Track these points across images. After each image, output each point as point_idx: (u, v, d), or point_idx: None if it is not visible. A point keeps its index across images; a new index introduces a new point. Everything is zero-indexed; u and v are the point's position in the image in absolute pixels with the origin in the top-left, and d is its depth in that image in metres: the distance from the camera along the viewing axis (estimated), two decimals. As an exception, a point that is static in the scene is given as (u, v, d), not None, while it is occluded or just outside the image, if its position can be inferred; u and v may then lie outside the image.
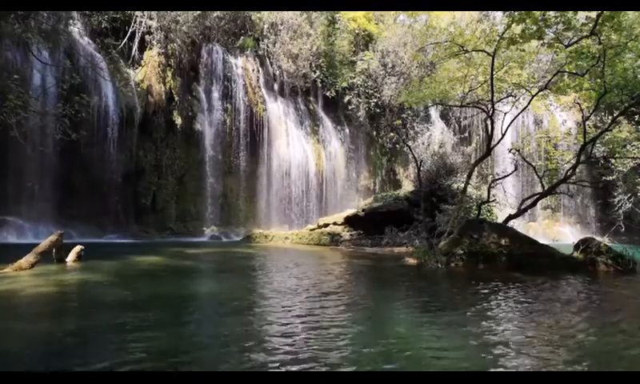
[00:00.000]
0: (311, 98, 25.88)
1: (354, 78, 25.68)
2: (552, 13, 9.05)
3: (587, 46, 9.78)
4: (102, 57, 18.13)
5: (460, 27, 12.41)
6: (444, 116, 28.63)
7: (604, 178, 20.14)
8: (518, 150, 12.90)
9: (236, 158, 22.17)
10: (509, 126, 12.78)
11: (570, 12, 9.11)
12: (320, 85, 25.49)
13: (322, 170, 24.30)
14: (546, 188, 12.50)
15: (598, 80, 10.37)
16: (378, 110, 26.22)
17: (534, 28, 9.19)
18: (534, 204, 13.08)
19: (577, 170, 12.32)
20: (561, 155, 17.34)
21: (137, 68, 19.84)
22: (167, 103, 20.20)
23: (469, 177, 12.96)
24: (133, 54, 19.80)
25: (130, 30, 19.59)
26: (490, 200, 12.91)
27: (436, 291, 7.12)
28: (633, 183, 20.11)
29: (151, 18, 19.85)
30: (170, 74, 20.55)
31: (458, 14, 19.26)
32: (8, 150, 14.85)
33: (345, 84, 25.37)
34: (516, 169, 12.85)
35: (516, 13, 8.97)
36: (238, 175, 22.31)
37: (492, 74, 10.94)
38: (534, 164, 13.93)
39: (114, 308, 5.16)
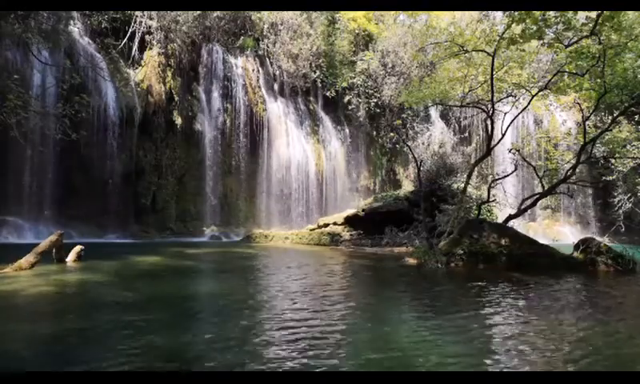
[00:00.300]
0: (311, 98, 25.88)
1: (354, 78, 25.68)
2: (552, 13, 9.05)
3: (587, 45, 9.78)
4: (102, 57, 18.12)
5: (460, 27, 12.41)
6: (444, 116, 28.61)
7: (604, 178, 20.12)
8: (518, 150, 12.89)
9: (236, 158, 22.15)
10: (509, 126, 12.78)
11: (570, 12, 9.11)
12: (320, 85, 25.48)
13: (322, 170, 24.30)
14: (545, 188, 12.50)
15: (598, 80, 10.36)
16: (378, 110, 26.22)
17: (534, 28, 9.19)
18: (533, 204, 13.08)
19: (577, 170, 12.32)
20: (561, 155, 17.33)
21: (137, 68, 19.84)
22: (167, 103, 20.19)
23: (469, 177, 12.96)
24: (133, 53, 19.79)
25: (130, 30, 19.59)
26: (490, 200, 12.91)
27: (436, 291, 7.12)
28: (633, 183, 20.09)
29: (151, 18, 19.84)
30: (169, 73, 20.55)
31: (458, 13, 19.25)
32: (8, 150, 14.84)
33: (345, 84, 25.37)
34: (516, 169, 12.84)
35: (516, 13, 8.97)
36: (238, 175, 22.31)
37: (492, 74, 10.94)
38: (533, 164, 13.93)
39: (114, 308, 5.16)
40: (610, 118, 15.62)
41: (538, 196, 12.79)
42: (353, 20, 26.64)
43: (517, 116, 12.95)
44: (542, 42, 10.12)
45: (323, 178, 24.23)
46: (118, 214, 18.36)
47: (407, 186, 23.45)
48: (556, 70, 11.49)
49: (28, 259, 7.65)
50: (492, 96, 11.43)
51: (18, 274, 7.09)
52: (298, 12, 24.21)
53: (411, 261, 10.34)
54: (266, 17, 24.06)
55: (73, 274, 7.60)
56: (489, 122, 12.56)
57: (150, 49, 20.03)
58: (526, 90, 12.21)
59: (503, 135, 12.54)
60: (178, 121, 20.36)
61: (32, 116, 13.34)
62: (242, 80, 22.55)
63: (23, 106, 11.17)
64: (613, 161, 17.00)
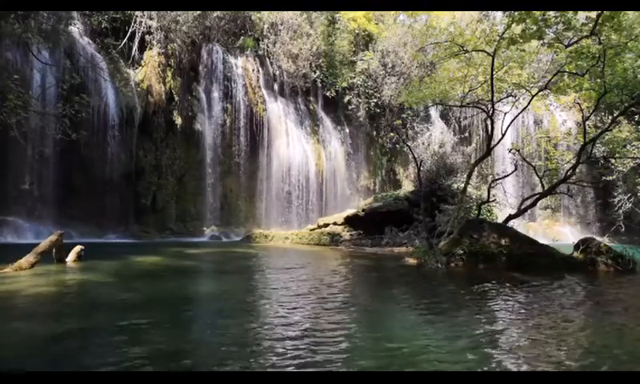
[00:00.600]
0: (311, 98, 25.88)
1: (354, 77, 25.68)
2: (552, 13, 9.05)
3: (587, 45, 9.78)
4: (102, 57, 18.13)
5: (460, 27, 12.43)
6: (444, 116, 28.62)
7: (604, 178, 20.11)
8: (518, 150, 12.89)
9: (236, 158, 22.15)
10: (509, 126, 12.78)
11: (570, 12, 9.11)
12: (320, 85, 25.48)
13: (322, 169, 24.30)
14: (545, 188, 12.50)
15: (598, 80, 10.37)
16: (378, 110, 26.22)
17: (534, 28, 9.20)
18: (533, 204, 13.08)
19: (577, 170, 12.32)
20: (561, 155, 17.35)
21: (137, 68, 19.84)
22: (167, 103, 20.19)
23: (469, 177, 12.96)
24: (133, 54, 19.79)
25: (130, 30, 19.59)
26: (490, 200, 12.91)
27: (436, 292, 7.12)
28: (633, 183, 20.10)
29: (151, 18, 19.84)
30: (169, 73, 20.55)
31: (458, 13, 19.26)
32: (8, 150, 14.85)
33: (345, 84, 25.36)
34: (516, 169, 12.85)
35: (516, 13, 8.97)
36: (238, 175, 22.30)
37: (492, 74, 10.95)
38: (533, 164, 13.93)
39: (114, 308, 5.16)
40: (610, 117, 15.64)
41: (537, 196, 12.79)
42: (353, 20, 26.64)
43: (517, 116, 12.95)
44: (541, 42, 10.13)
45: (323, 178, 24.23)
46: (118, 214, 18.36)
47: (407, 186, 23.45)
48: (556, 70, 11.50)
49: (28, 259, 7.66)
50: (492, 96, 11.43)
51: (17, 274, 7.09)
52: (298, 12, 24.21)
53: (411, 261, 10.34)
54: (266, 17, 24.06)
55: (73, 274, 7.59)
56: (489, 122, 12.56)
57: (150, 49, 20.03)
58: (526, 90, 12.21)
59: (503, 135, 12.54)
60: (178, 121, 20.37)
61: (32, 116, 13.36)
62: (242, 80, 22.55)
63: (23, 106, 11.18)
64: (613, 161, 17.01)
